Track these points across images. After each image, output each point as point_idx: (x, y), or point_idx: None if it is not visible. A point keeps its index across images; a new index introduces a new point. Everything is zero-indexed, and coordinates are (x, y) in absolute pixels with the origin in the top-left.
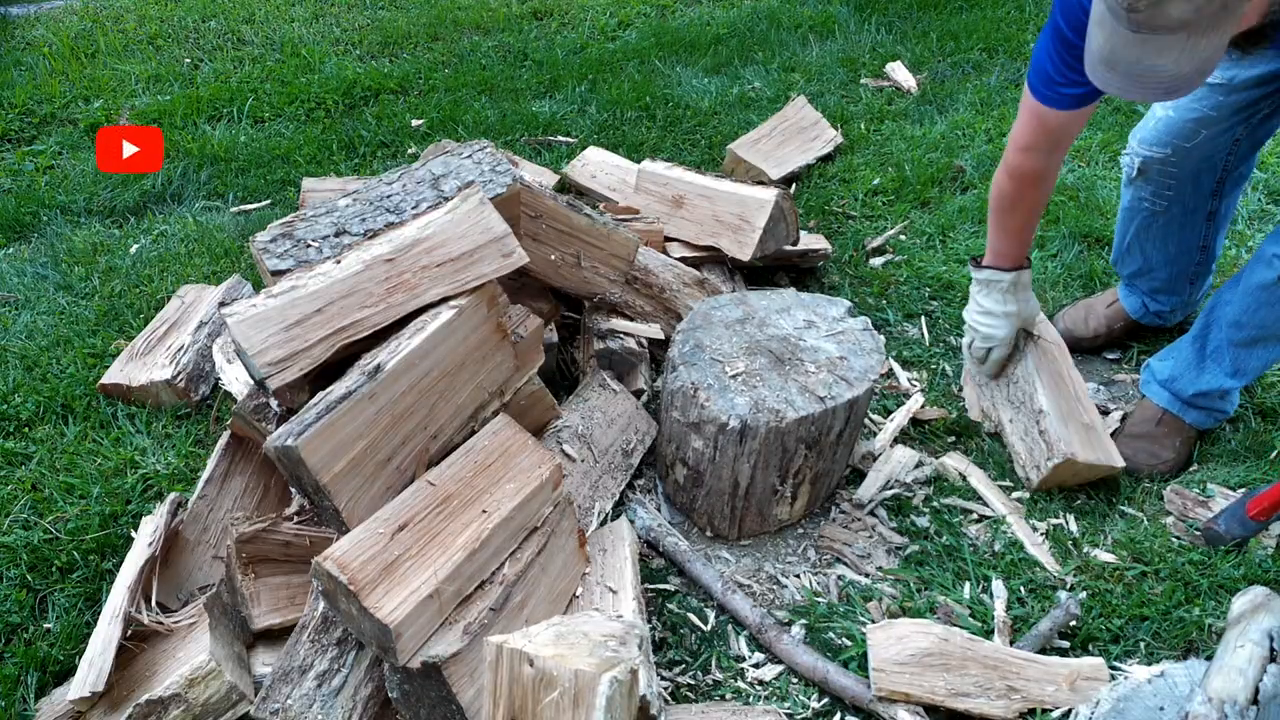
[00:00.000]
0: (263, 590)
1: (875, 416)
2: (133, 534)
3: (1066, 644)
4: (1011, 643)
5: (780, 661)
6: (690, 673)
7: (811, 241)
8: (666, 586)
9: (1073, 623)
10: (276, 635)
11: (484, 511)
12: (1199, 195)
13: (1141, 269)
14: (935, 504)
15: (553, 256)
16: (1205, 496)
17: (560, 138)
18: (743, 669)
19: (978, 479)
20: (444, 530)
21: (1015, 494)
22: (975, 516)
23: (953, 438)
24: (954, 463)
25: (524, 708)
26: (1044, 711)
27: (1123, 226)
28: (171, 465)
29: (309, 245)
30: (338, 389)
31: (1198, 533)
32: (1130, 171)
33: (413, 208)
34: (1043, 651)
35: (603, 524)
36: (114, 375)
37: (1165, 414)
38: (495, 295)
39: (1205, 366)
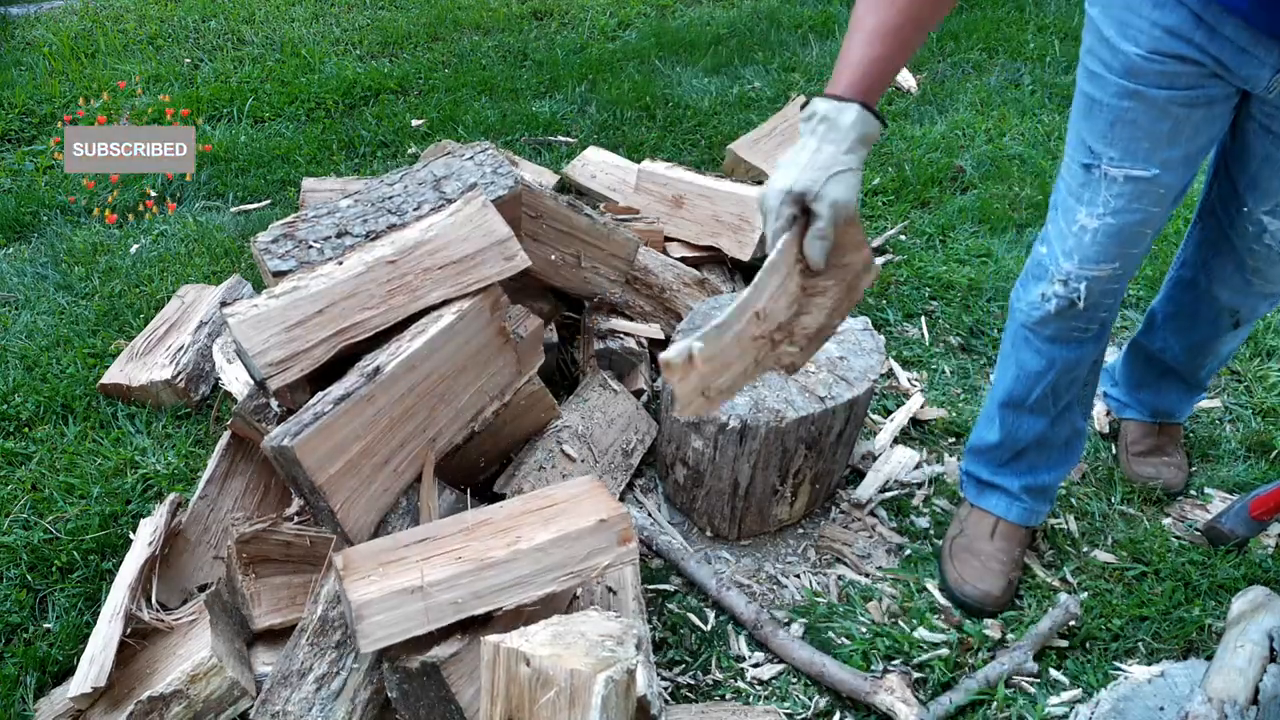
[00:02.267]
0: (263, 590)
1: (875, 416)
2: (132, 535)
3: (1065, 643)
4: (1004, 641)
5: (778, 659)
6: (690, 673)
7: None
8: (666, 586)
9: (1072, 623)
10: (277, 635)
11: (516, 538)
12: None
13: (1041, 440)
14: (935, 504)
15: (553, 257)
16: (1203, 500)
17: (560, 138)
18: (742, 669)
19: None
20: (461, 546)
21: None
22: None
23: (953, 438)
24: (955, 463)
25: (521, 707)
26: (1036, 705)
27: (1022, 387)
28: (171, 465)
29: (311, 246)
30: (336, 390)
31: (1198, 532)
32: (1061, 304)
33: (414, 209)
34: (1042, 652)
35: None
36: (114, 375)
37: (1160, 425)
38: (498, 299)
39: (1190, 395)
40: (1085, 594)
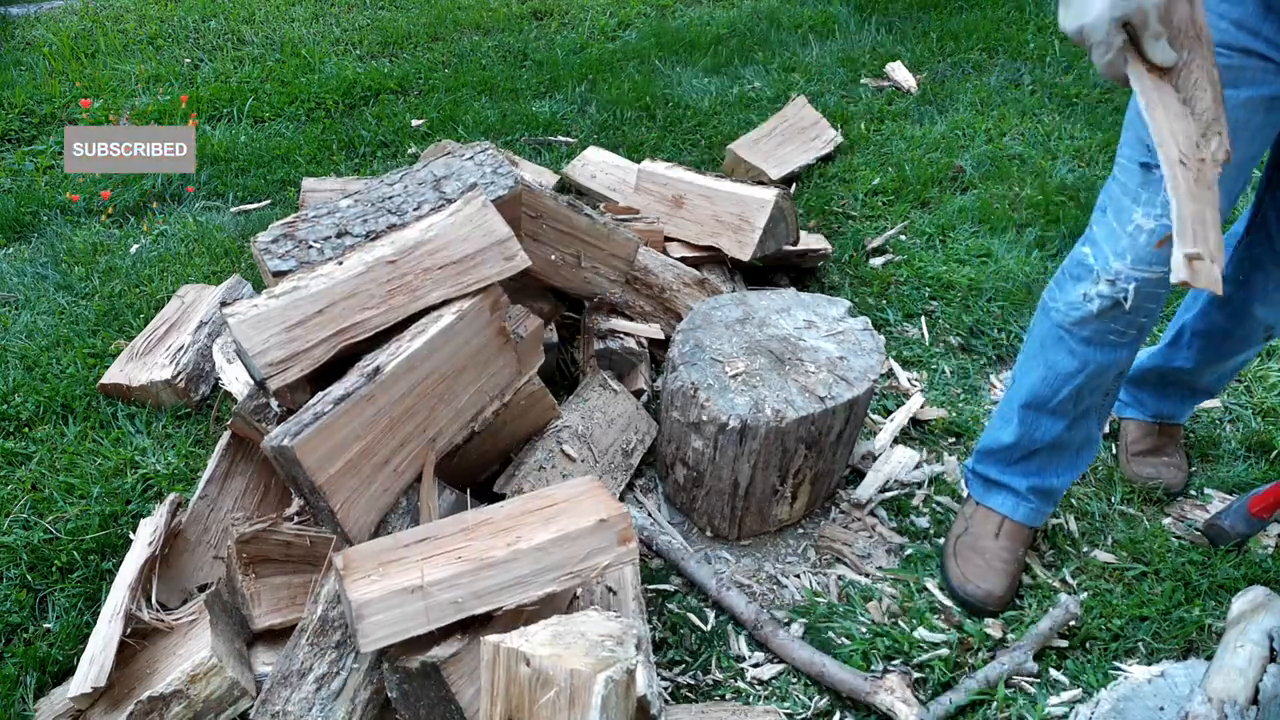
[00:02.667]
0: (263, 590)
1: (875, 416)
2: (132, 535)
3: (1065, 643)
4: (1004, 641)
5: (778, 658)
6: (690, 673)
7: (811, 241)
8: (666, 587)
9: (1072, 622)
10: (277, 635)
11: (516, 538)
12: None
13: (1057, 442)
14: (935, 504)
15: (553, 257)
16: (1203, 500)
17: (560, 138)
18: (742, 669)
19: None
20: (462, 546)
21: None
22: None
23: (953, 438)
24: (955, 462)
25: (520, 707)
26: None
27: (1049, 388)
28: (171, 465)
29: (311, 246)
30: (336, 390)
31: (1198, 531)
32: (1104, 304)
33: (415, 209)
34: (1042, 652)
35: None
36: (114, 375)
37: (1161, 425)
38: (498, 299)
39: (1194, 399)
40: (1085, 594)
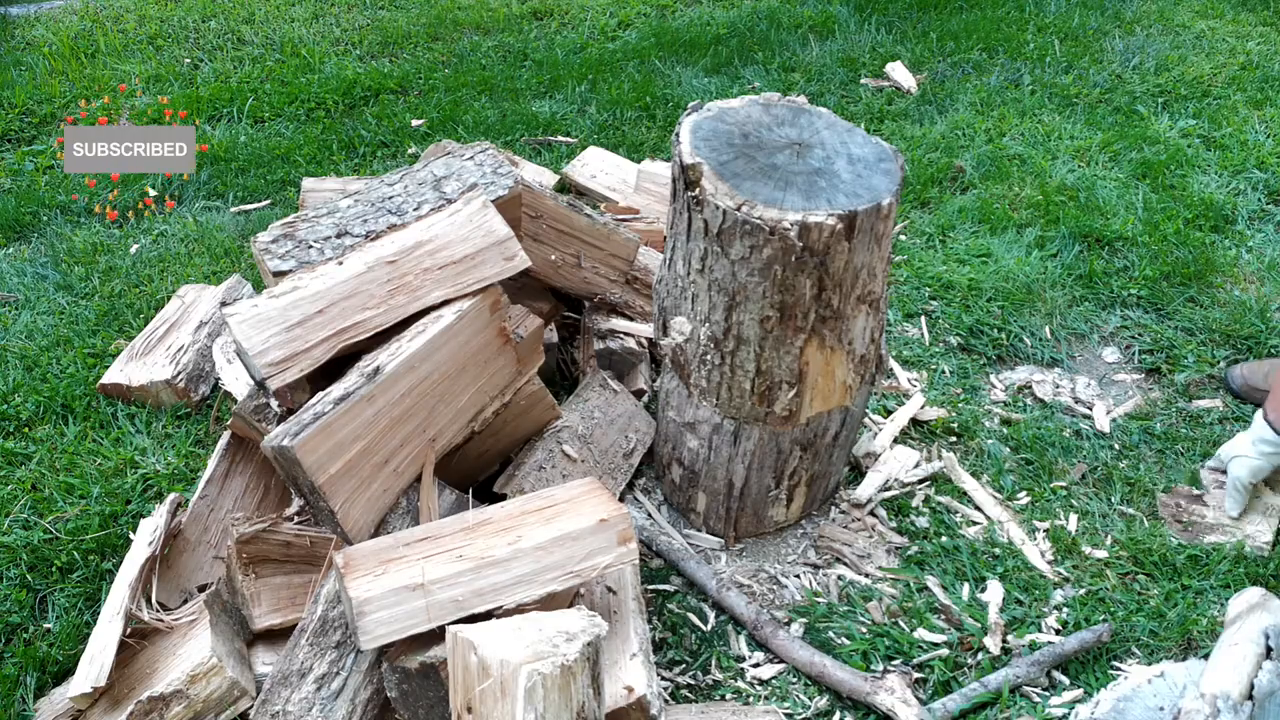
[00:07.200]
0: (263, 590)
1: (875, 416)
2: (132, 535)
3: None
4: (1005, 641)
5: (778, 659)
6: (690, 673)
7: None
8: (666, 587)
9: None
10: (277, 635)
11: (518, 537)
12: None
13: None
14: (934, 504)
15: (553, 257)
16: (1198, 490)
17: (560, 138)
18: (742, 669)
19: (975, 483)
20: (462, 545)
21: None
22: (973, 519)
23: (953, 438)
24: (954, 463)
25: (471, 695)
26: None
27: None
28: (171, 465)
29: (311, 246)
30: (336, 390)
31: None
32: None
33: (415, 209)
34: (1058, 667)
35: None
36: (114, 375)
37: None
38: (498, 299)
39: None
40: (1083, 591)
